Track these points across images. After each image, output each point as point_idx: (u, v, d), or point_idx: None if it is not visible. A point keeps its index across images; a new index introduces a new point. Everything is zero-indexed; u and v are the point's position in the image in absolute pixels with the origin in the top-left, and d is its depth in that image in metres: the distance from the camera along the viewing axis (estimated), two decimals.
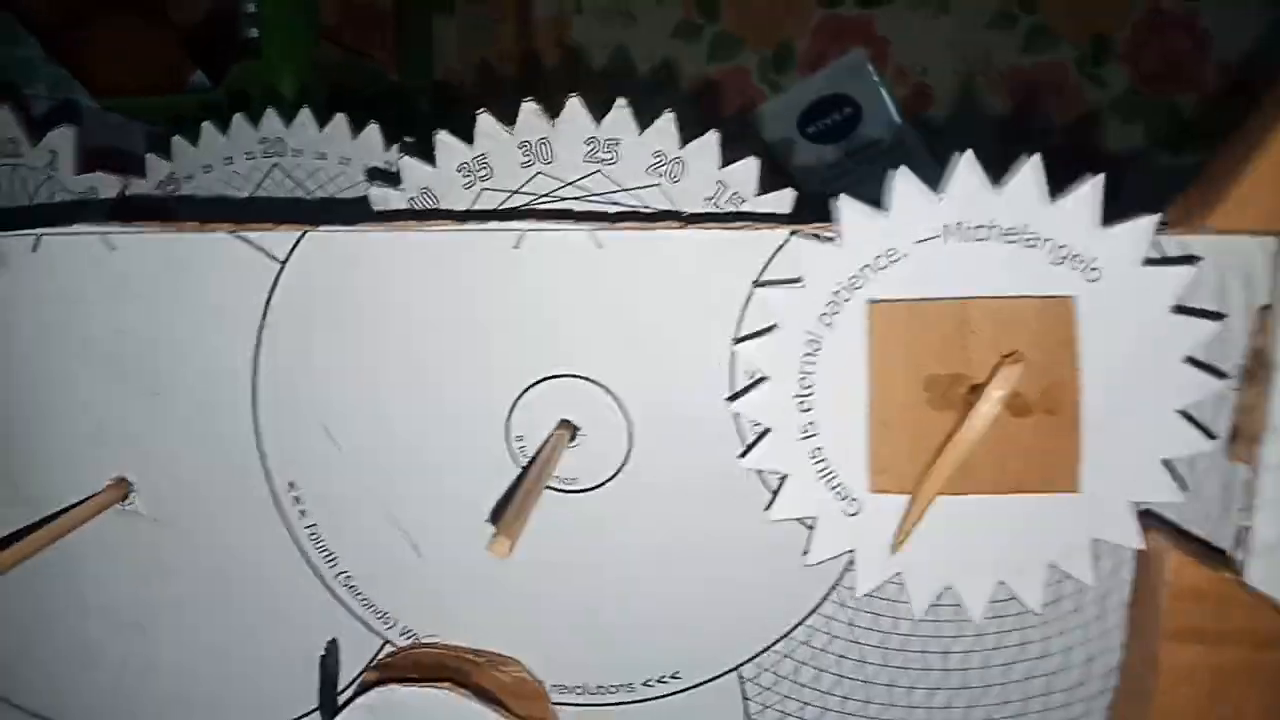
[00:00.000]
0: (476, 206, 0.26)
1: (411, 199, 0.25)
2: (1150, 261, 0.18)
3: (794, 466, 0.21)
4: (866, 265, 0.19)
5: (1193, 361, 0.19)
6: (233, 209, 0.32)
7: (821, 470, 0.21)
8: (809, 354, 0.20)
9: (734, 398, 0.21)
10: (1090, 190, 0.18)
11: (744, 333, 0.21)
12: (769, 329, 0.20)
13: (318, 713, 0.25)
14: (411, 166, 0.25)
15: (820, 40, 0.72)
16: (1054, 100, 0.68)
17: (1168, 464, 0.19)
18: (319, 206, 0.31)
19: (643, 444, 0.22)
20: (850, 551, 0.22)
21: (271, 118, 0.33)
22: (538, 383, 0.22)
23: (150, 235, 0.22)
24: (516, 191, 0.25)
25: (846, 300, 0.20)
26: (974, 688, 0.24)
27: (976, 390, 0.19)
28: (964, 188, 0.19)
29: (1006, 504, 0.20)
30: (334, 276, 0.22)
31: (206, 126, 0.33)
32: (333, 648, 0.25)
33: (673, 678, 0.24)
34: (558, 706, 0.24)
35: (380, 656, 0.25)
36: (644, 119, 0.25)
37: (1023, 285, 0.19)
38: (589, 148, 0.25)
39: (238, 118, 0.33)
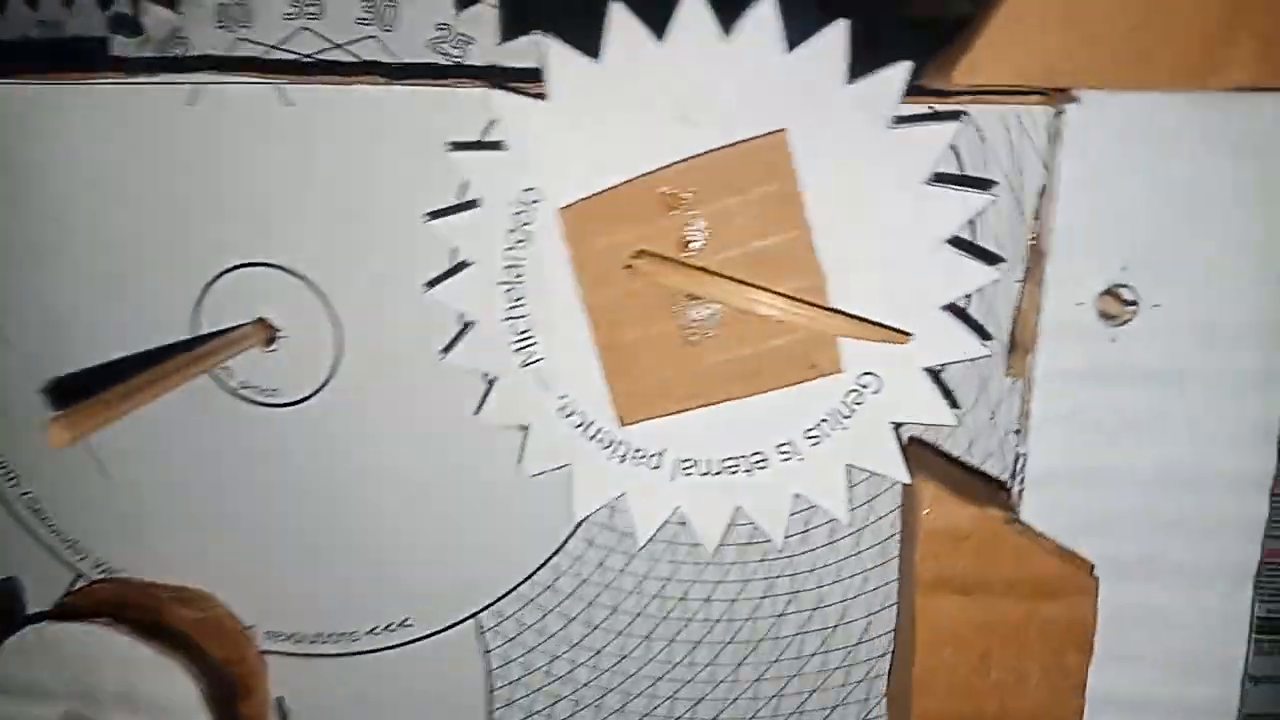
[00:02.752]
0: (289, 44, 0.21)
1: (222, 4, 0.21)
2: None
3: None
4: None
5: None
6: None
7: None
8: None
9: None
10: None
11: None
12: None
13: None
14: None
15: None
16: None
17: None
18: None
19: (354, 350, 0.19)
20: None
21: None
22: (227, 271, 0.19)
23: None
24: (340, 46, 0.21)
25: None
26: (742, 642, 0.21)
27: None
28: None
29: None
30: None
31: None
32: (9, 587, 0.21)
33: (402, 626, 0.21)
34: (271, 655, 0.21)
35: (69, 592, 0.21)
36: None
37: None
38: (440, 33, 0.21)
39: None
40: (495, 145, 0.16)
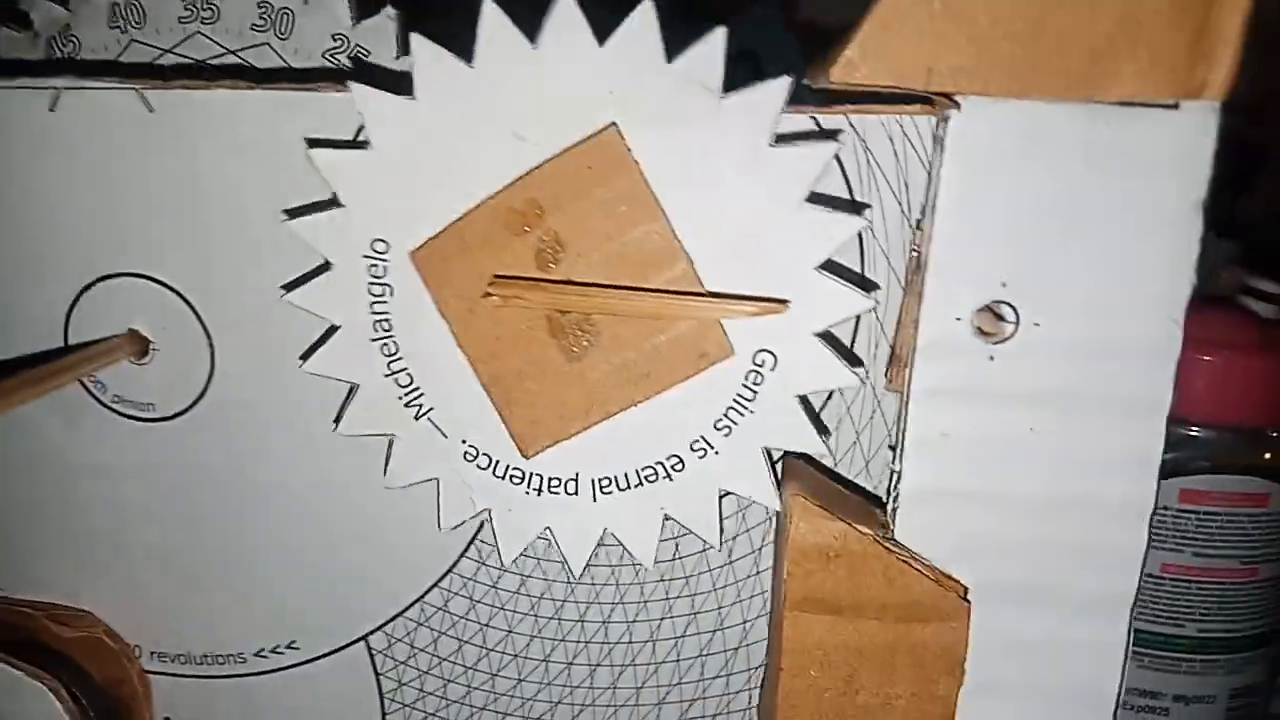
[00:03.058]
0: (181, 48, 0.21)
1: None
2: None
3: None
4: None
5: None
6: None
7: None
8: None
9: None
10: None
11: None
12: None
13: None
14: None
15: None
16: None
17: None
18: None
19: (227, 362, 0.18)
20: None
21: None
22: (96, 282, 0.18)
23: None
24: (234, 52, 0.21)
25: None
26: (641, 665, 0.20)
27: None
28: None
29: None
30: None
31: None
32: None
33: (289, 648, 0.20)
34: (159, 677, 0.21)
35: None
36: None
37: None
38: (337, 43, 0.21)
39: None
40: (333, 203, 0.16)
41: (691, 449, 0.17)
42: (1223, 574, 0.24)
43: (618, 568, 0.19)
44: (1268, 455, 0.25)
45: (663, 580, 0.19)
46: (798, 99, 0.15)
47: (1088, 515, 0.14)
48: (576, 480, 0.17)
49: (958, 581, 0.15)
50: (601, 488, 0.17)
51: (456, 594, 0.20)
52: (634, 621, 0.20)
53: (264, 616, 0.20)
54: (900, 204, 0.16)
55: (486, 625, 0.20)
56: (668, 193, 0.15)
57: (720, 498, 0.17)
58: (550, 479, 0.17)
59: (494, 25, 0.14)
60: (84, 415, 0.19)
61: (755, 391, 0.16)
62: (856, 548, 0.15)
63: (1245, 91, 0.14)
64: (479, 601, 0.20)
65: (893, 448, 0.15)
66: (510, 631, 0.20)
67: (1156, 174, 0.14)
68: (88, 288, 0.18)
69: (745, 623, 0.19)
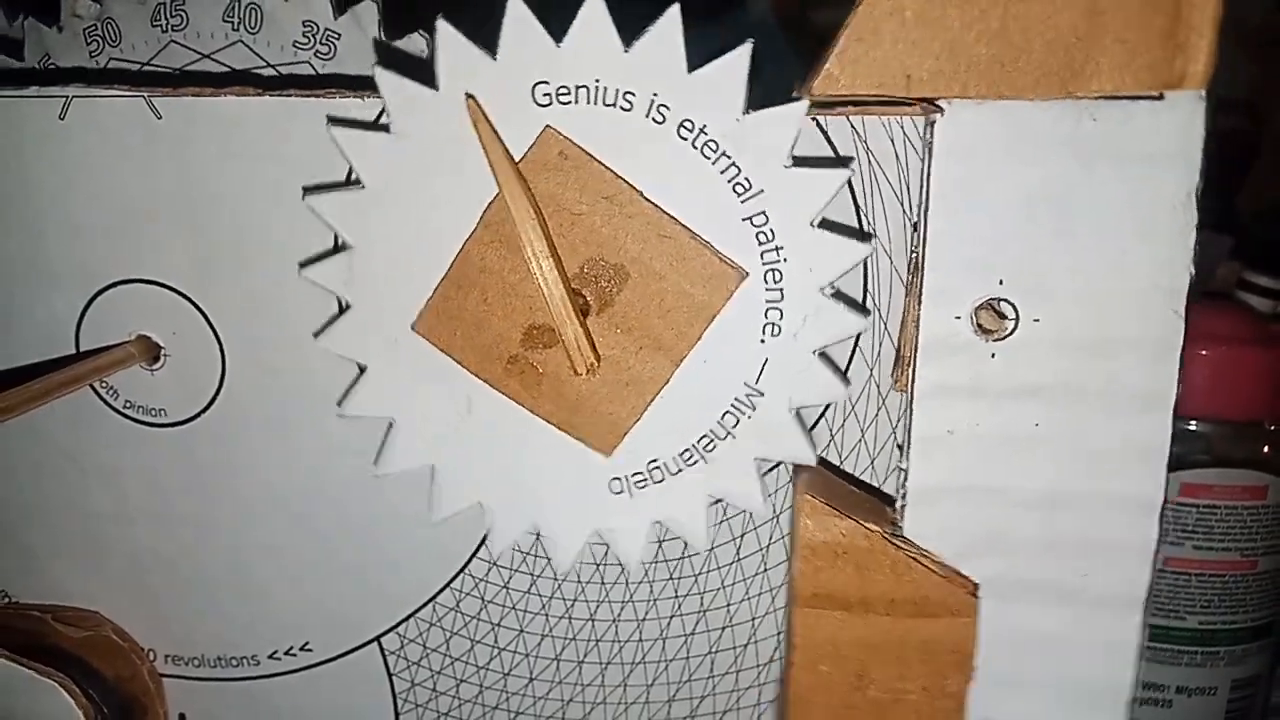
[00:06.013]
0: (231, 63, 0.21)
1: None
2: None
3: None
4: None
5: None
6: None
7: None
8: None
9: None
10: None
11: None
12: (340, 249, 0.16)
13: None
14: None
15: None
16: None
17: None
18: None
19: (239, 366, 0.18)
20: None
21: None
22: (106, 289, 0.18)
23: None
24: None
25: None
26: (652, 662, 0.20)
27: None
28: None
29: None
30: None
31: None
32: None
33: (303, 650, 0.20)
34: (174, 680, 0.21)
35: None
36: None
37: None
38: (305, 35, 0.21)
39: None
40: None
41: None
42: (1223, 566, 0.24)
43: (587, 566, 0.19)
44: (1266, 448, 0.25)
45: (671, 579, 0.19)
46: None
47: (1097, 510, 0.15)
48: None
49: (967, 578, 0.15)
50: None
51: (468, 594, 0.20)
52: (644, 620, 0.20)
53: (277, 619, 0.20)
54: (902, 204, 0.17)
55: (498, 625, 0.20)
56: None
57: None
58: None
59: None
60: (96, 421, 0.19)
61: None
62: (864, 544, 0.15)
63: (1242, 89, 0.14)
64: (491, 601, 0.20)
65: (901, 446, 0.15)
66: (522, 631, 0.20)
67: (1148, 166, 0.14)
68: (98, 294, 0.18)
69: (754, 619, 0.20)
